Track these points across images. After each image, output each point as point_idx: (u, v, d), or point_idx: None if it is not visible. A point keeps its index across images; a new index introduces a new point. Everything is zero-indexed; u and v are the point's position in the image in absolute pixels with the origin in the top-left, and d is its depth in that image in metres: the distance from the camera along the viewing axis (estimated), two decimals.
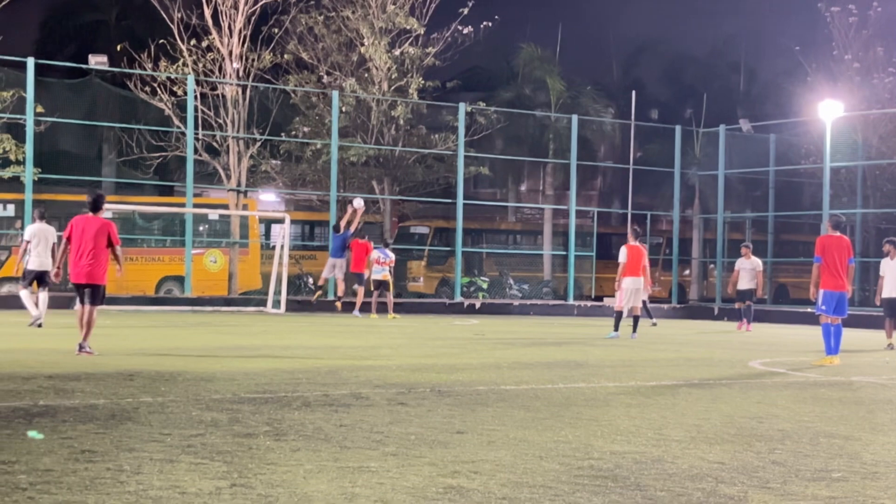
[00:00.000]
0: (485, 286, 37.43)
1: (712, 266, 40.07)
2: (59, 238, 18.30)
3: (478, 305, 32.78)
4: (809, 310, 22.67)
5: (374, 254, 27.46)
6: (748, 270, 25.31)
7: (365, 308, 26.80)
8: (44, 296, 19.35)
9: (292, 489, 5.66)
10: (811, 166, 36.26)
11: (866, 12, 39.33)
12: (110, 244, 14.93)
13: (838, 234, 16.81)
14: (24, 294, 19.92)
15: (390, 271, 27.68)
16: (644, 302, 24.29)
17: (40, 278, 19.86)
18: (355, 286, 28.69)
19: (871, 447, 7.91)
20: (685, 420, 9.44)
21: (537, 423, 8.94)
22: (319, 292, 29.12)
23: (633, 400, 10.92)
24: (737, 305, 26.26)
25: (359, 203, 28.01)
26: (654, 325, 25.13)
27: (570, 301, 34.71)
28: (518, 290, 39.39)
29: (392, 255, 28.11)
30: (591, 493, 5.79)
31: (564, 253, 36.30)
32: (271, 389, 10.69)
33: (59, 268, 15.85)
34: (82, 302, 14.73)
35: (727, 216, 38.22)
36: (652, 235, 39.82)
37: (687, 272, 41.42)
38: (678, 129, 37.90)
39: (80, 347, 14.34)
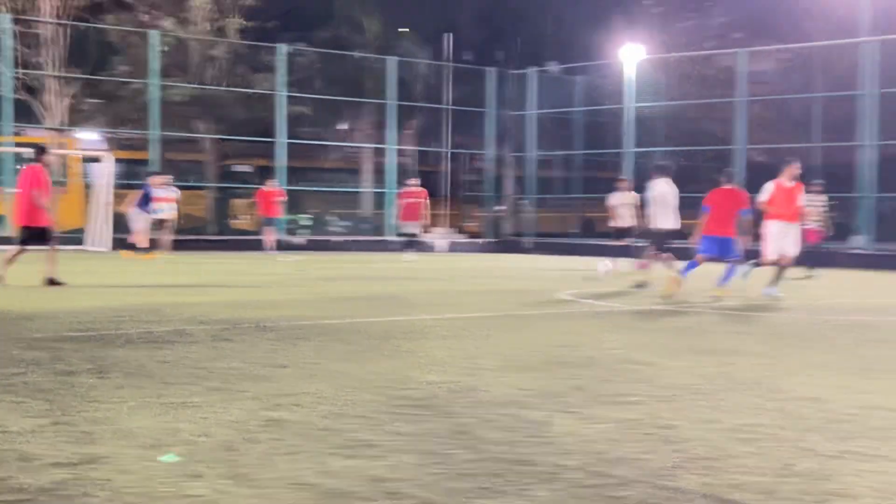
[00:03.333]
0: (309, 222, 38.86)
1: (524, 203, 41.70)
2: None
3: (301, 242, 34.62)
4: (613, 243, 23.67)
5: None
6: (628, 206, 23.41)
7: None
8: None
9: (116, 425, 5.81)
10: (614, 107, 38.14)
11: None
12: None
13: (730, 187, 18.38)
14: None
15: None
16: None
17: None
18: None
19: (667, 372, 8.50)
20: (497, 350, 9.86)
21: (357, 355, 9.27)
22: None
23: (449, 332, 11.30)
24: (618, 243, 23.75)
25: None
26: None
27: (389, 237, 36.78)
28: (340, 226, 41.15)
29: (174, 193, 29.15)
30: (406, 421, 6.14)
31: (384, 190, 38.48)
32: (94, 327, 10.78)
33: None
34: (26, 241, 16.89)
35: (538, 154, 40.60)
36: (468, 173, 42.70)
37: (502, 209, 42.84)
38: (491, 70, 40.65)
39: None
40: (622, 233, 23.40)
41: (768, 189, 17.26)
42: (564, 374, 8.37)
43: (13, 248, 17.25)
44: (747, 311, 15.39)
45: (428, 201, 32.23)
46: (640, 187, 24.16)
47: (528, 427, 6.14)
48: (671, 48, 40.49)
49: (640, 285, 18.74)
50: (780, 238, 17.35)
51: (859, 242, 31.93)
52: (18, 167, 32.07)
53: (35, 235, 16.91)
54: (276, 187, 31.67)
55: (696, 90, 39.21)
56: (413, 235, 32.04)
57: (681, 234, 19.53)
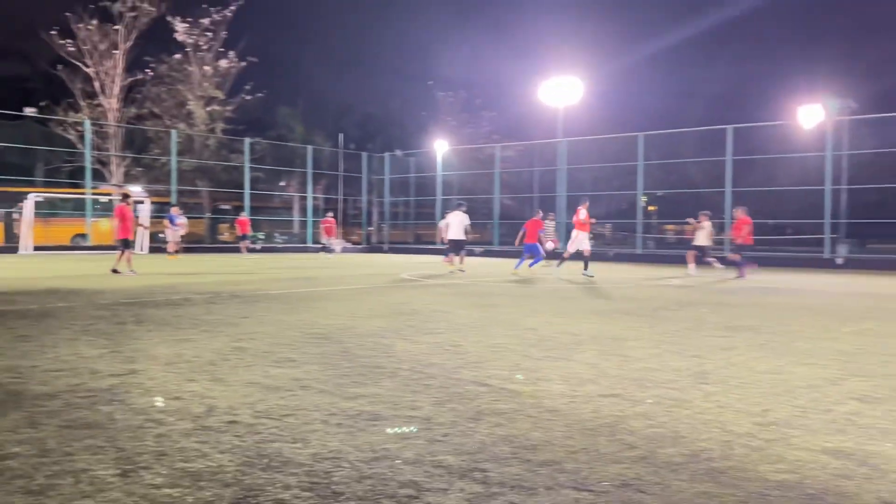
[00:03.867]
0: (262, 236, 40.35)
1: (383, 225, 43.45)
2: None
3: (259, 247, 35.88)
4: (440, 246, 23.39)
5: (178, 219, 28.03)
6: (456, 225, 19.76)
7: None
8: None
9: (146, 352, 5.89)
10: (431, 174, 40.55)
11: (458, 93, 46.85)
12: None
13: (536, 217, 19.51)
14: None
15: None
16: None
17: None
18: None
19: (458, 316, 8.67)
20: (365, 306, 9.67)
21: (288, 310, 8.99)
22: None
23: (339, 297, 11.05)
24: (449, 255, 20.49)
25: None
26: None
27: (309, 244, 38.62)
28: (281, 239, 42.69)
29: (184, 220, 29.02)
30: (313, 345, 6.25)
31: (305, 219, 40.00)
32: (136, 297, 10.50)
33: None
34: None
35: (390, 199, 43.05)
36: (352, 209, 43.94)
37: (371, 228, 44.43)
38: (365, 154, 43.62)
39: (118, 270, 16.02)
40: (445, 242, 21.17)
41: (581, 214, 17.62)
42: (402, 318, 8.32)
43: (119, 252, 16.77)
44: (517, 283, 15.20)
45: (335, 225, 33.69)
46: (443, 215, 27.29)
47: (382, 347, 6.16)
48: (461, 143, 43.32)
49: (452, 271, 18.42)
50: (578, 242, 17.78)
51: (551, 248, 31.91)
52: (96, 207, 33.21)
53: (125, 243, 16.60)
54: (245, 217, 32.03)
55: (473, 166, 41.36)
56: (329, 245, 32.80)
57: (466, 242, 19.22)
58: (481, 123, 47.64)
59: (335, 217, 34.88)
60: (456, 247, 18.85)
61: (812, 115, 30.92)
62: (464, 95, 47.70)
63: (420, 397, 4.61)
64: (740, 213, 19.47)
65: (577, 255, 17.89)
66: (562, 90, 34.74)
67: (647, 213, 39.81)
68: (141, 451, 3.47)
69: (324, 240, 32.83)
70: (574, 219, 17.54)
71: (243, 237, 31.43)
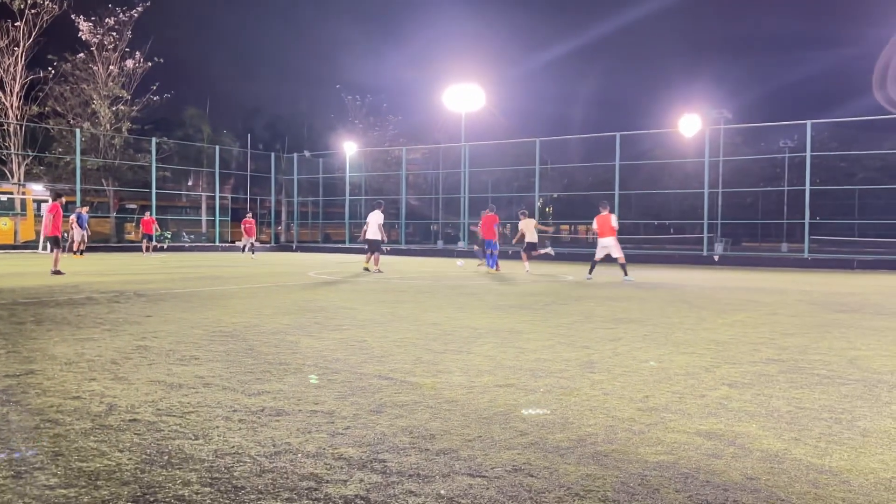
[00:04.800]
0: (169, 235, 39.48)
1: (292, 224, 43.32)
2: None
3: (165, 246, 35.35)
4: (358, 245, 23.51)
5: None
6: (373, 224, 18.76)
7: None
8: None
9: (45, 352, 5.63)
10: (339, 175, 40.88)
11: (365, 97, 46.87)
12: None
13: (490, 213, 19.51)
14: None
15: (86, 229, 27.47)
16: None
17: None
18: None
19: (362, 312, 8.59)
20: (272, 303, 9.52)
21: (192, 309, 8.73)
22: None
23: (247, 294, 10.92)
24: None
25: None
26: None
27: (217, 243, 38.49)
28: (188, 239, 42.08)
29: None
30: (218, 343, 6.12)
31: (213, 218, 39.58)
32: (36, 296, 10.13)
33: None
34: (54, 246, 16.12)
35: (299, 199, 42.69)
36: (262, 209, 43.06)
37: (280, 227, 44.47)
38: (273, 154, 42.97)
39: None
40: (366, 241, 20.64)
41: (613, 221, 15.90)
42: (308, 315, 8.21)
43: (56, 251, 16.12)
44: (423, 280, 15.28)
45: (254, 225, 32.17)
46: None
47: (286, 344, 6.04)
48: (368, 145, 44.04)
49: (367, 269, 18.14)
50: (613, 248, 15.96)
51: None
52: None
53: (55, 241, 16.21)
54: (150, 216, 31.09)
55: (381, 168, 42.73)
56: (246, 245, 31.49)
57: (381, 242, 18.59)
58: (388, 126, 47.99)
59: (254, 217, 34.04)
60: (372, 246, 18.39)
61: (691, 123, 32.34)
62: (370, 99, 47.98)
63: (323, 392, 4.54)
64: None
65: (608, 259, 16.31)
66: (464, 96, 35.44)
67: (543, 213, 41.27)
68: (36, 453, 3.32)
69: (244, 240, 32.11)
70: (604, 225, 15.78)
71: (148, 237, 30.69)
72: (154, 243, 31.65)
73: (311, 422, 3.88)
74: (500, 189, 38.50)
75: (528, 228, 19.33)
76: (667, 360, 5.98)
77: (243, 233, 31.78)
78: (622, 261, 15.99)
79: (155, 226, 31.17)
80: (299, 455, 3.35)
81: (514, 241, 19.97)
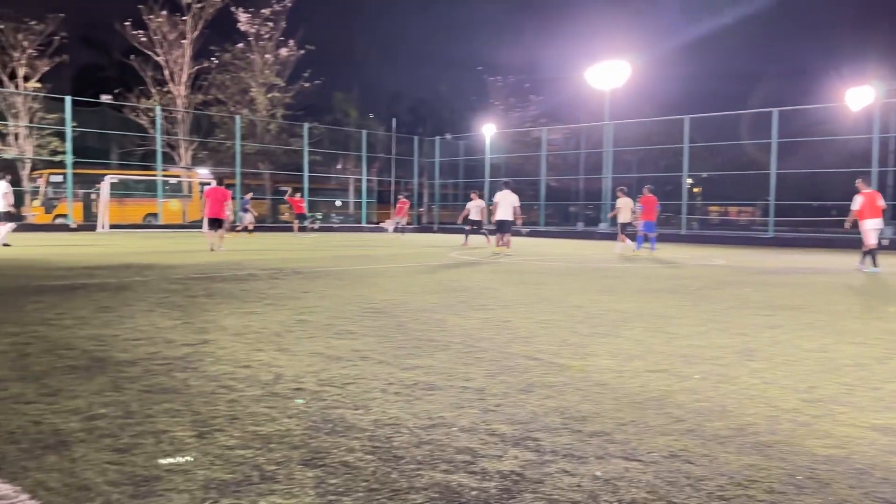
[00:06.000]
0: (320, 217, 40.94)
1: (433, 206, 42.58)
2: None
3: (317, 227, 36.33)
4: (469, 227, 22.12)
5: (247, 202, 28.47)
6: (477, 208, 21.96)
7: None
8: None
9: (215, 323, 5.96)
10: (479, 157, 40.84)
11: (507, 78, 46.43)
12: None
13: (647, 194, 18.80)
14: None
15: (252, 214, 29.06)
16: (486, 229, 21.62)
17: None
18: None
19: (506, 293, 8.66)
20: (417, 282, 9.68)
21: (345, 286, 9.03)
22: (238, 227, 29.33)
23: (394, 273, 11.17)
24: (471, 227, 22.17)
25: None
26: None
27: (363, 224, 39.77)
28: (337, 219, 43.41)
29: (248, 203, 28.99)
30: (370, 319, 6.32)
31: (359, 200, 41.32)
32: (207, 272, 10.61)
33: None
34: (212, 228, 16.92)
35: (440, 181, 43.27)
36: (406, 191, 42.62)
37: (422, 209, 44.10)
38: (416, 138, 43.65)
39: (212, 248, 16.13)
40: (474, 223, 22.06)
41: (857, 201, 13.99)
42: (453, 295, 8.36)
43: (210, 232, 16.99)
44: (562, 263, 15.29)
45: (408, 207, 32.21)
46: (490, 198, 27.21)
47: (434, 322, 6.19)
48: (509, 127, 43.28)
49: (496, 253, 17.76)
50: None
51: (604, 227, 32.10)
52: (166, 188, 34.06)
53: (216, 223, 16.81)
54: (299, 197, 32.11)
55: (520, 149, 41.30)
56: (398, 225, 31.59)
57: (513, 223, 18.08)
58: (529, 107, 47.16)
59: (409, 199, 34.58)
60: (502, 227, 18.02)
61: (860, 97, 29.90)
62: (512, 80, 47.03)
63: (472, 369, 4.57)
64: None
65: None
66: (609, 73, 34.23)
67: (691, 194, 38.94)
68: (215, 416, 3.50)
69: (392, 220, 32.49)
70: (871, 203, 13.79)
71: (300, 216, 31.58)
72: (305, 223, 32.45)
73: (463, 397, 3.91)
74: (646, 169, 37.12)
75: (626, 208, 18.73)
76: (833, 349, 5.66)
77: (395, 213, 31.86)
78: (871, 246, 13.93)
79: (303, 205, 31.92)
80: (454, 429, 3.39)
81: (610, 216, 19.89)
